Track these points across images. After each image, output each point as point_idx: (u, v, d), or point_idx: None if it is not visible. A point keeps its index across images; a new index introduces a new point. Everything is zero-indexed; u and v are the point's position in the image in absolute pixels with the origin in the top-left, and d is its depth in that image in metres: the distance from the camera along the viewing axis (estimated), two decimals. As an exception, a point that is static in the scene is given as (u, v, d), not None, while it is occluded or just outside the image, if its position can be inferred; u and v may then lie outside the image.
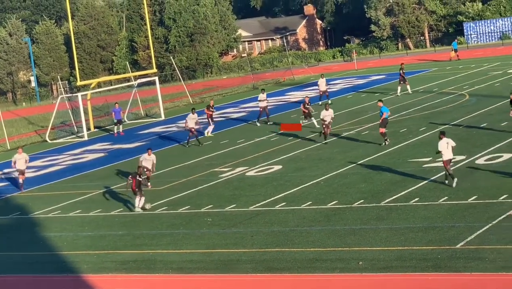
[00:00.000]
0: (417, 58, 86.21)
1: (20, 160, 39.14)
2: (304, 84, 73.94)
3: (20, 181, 39.22)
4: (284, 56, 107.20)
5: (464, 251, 21.02)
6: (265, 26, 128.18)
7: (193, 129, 44.65)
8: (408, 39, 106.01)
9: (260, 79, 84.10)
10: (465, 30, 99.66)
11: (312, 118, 44.53)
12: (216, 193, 32.61)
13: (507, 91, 43.67)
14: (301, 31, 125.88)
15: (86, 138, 56.23)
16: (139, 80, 70.09)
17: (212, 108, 49.04)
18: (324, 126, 39.78)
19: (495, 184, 27.43)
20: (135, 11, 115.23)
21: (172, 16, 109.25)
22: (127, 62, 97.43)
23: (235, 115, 57.58)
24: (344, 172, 33.04)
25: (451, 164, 28.43)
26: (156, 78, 66.85)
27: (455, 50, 79.12)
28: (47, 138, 58.08)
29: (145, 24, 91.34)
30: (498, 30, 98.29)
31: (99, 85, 75.73)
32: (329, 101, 52.34)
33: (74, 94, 64.64)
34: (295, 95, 65.00)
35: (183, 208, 30.68)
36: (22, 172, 39.17)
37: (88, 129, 59.11)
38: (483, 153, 32.72)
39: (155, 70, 69.18)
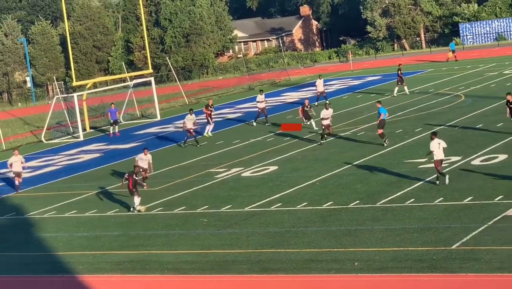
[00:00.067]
0: (413, 59, 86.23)
1: (17, 162, 39.02)
2: (300, 85, 73.96)
3: (17, 183, 39.09)
4: (280, 57, 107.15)
5: (460, 252, 21.04)
6: (261, 26, 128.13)
7: (191, 130, 44.73)
8: (404, 40, 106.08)
9: (256, 80, 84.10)
10: (461, 31, 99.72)
11: (312, 120, 44.55)
12: (211, 193, 32.60)
13: (502, 92, 43.71)
14: (297, 32, 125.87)
15: (81, 138, 56.18)
16: (135, 81, 70.03)
17: (211, 108, 49.09)
18: (323, 126, 39.75)
19: (490, 185, 27.46)
20: (131, 12, 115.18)
21: (168, 16, 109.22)
22: (123, 63, 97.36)
23: (230, 116, 57.59)
24: (340, 172, 33.05)
25: (442, 164, 28.55)
26: (152, 78, 66.85)
27: (453, 51, 79.24)
28: (42, 139, 58.02)
29: (141, 24, 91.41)
30: (493, 31, 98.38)
31: (95, 85, 75.65)
32: (327, 102, 52.32)
33: (69, 95, 64.56)
34: (291, 96, 65.05)
35: (179, 209, 30.67)
36: (18, 174, 39.04)
37: (84, 129, 59.06)
38: (478, 153, 32.76)
39: (151, 70, 69.14)
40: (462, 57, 79.45)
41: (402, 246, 22.16)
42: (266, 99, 51.77)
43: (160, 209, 31.15)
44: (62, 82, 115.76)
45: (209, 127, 48.43)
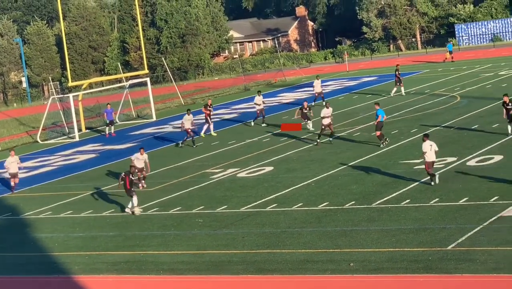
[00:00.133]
0: (409, 60, 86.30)
1: (13, 163, 38.96)
2: (296, 85, 73.99)
3: (12, 184, 39.02)
4: (275, 57, 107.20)
5: (455, 253, 21.05)
6: (256, 27, 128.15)
7: (189, 130, 44.75)
8: (399, 41, 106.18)
9: (252, 80, 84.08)
10: (456, 32, 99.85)
11: (309, 121, 44.54)
12: (207, 194, 32.59)
13: (498, 93, 43.79)
14: (293, 33, 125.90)
15: (77, 139, 56.12)
16: (130, 81, 70.02)
17: (210, 107, 49.08)
18: (323, 126, 39.72)
19: (486, 186, 27.49)
20: (126, 12, 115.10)
21: (164, 17, 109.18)
22: (119, 63, 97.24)
23: (226, 116, 57.58)
24: (336, 173, 33.06)
25: (433, 166, 28.62)
26: (148, 79, 66.85)
27: (450, 52, 79.36)
28: (38, 139, 57.95)
29: (137, 25, 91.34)
30: (489, 32, 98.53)
31: (90, 86, 75.73)
32: (324, 102, 52.33)
33: (65, 95, 64.51)
34: (287, 97, 65.06)
35: (174, 209, 30.66)
36: (15, 175, 38.98)
37: (80, 130, 59.01)
38: (474, 154, 32.79)
39: (146, 71, 69.11)
40: (458, 58, 79.54)
41: (398, 247, 22.17)
42: (264, 100, 51.78)
43: (155, 209, 31.13)
44: (58, 82, 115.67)
45: (206, 127, 48.40)
